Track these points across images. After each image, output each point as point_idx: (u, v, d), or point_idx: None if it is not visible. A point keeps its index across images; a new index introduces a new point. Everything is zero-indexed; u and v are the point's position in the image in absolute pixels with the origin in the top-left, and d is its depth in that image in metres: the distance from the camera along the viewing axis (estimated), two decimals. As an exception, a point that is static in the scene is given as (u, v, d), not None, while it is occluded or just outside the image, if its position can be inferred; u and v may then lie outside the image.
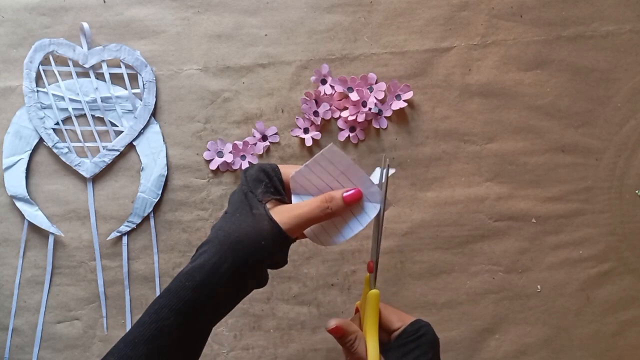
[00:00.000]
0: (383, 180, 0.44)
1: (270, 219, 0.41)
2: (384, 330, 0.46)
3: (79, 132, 0.64)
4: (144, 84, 0.64)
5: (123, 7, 0.64)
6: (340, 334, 0.44)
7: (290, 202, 0.45)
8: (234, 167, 0.65)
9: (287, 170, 0.46)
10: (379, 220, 0.45)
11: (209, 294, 0.40)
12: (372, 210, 0.44)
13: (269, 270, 0.44)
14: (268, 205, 0.43)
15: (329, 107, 0.64)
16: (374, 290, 0.46)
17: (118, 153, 0.65)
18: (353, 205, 0.44)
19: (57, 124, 0.64)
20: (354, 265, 0.65)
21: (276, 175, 0.45)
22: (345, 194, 0.43)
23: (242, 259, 0.41)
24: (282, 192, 0.45)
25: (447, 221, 0.65)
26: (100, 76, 0.64)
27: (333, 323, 0.44)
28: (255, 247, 0.41)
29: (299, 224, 0.42)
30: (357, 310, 0.50)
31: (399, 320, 0.46)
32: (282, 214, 0.42)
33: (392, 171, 0.46)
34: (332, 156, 0.43)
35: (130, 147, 0.65)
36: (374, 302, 0.45)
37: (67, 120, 0.65)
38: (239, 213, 0.42)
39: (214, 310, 0.42)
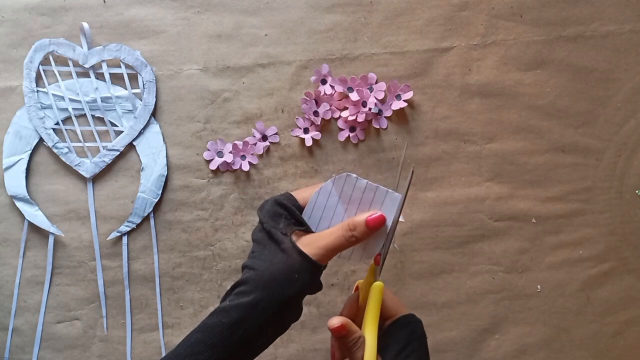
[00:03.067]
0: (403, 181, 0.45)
1: (300, 252, 0.42)
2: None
3: (79, 132, 0.64)
4: (144, 84, 0.64)
5: (123, 7, 0.64)
6: (343, 334, 0.44)
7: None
8: (234, 167, 0.65)
9: (302, 195, 0.46)
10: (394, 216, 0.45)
11: (245, 331, 0.41)
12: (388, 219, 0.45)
13: None
14: (294, 238, 0.43)
15: (329, 107, 0.64)
16: (378, 282, 0.45)
17: (118, 153, 0.65)
18: (377, 229, 0.43)
19: (57, 124, 0.64)
20: (354, 265, 0.65)
21: (293, 204, 0.45)
22: (368, 219, 0.43)
23: (278, 295, 0.41)
24: (303, 222, 0.45)
25: (447, 221, 0.65)
26: (100, 76, 0.64)
27: (337, 322, 0.43)
28: (290, 282, 0.41)
29: (327, 254, 0.43)
30: (356, 289, 0.50)
31: (394, 309, 0.47)
32: (309, 246, 0.42)
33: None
34: (344, 182, 0.44)
35: (130, 147, 0.65)
36: (377, 295, 0.45)
37: (67, 120, 0.65)
38: (267, 251, 0.43)
39: (250, 349, 0.42)
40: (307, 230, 0.45)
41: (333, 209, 0.45)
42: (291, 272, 0.41)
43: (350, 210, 0.45)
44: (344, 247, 0.43)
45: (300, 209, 0.45)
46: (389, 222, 0.44)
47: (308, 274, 0.42)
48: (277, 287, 0.41)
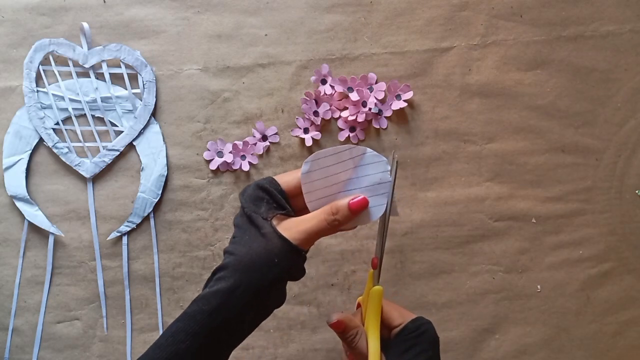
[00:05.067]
0: (391, 179, 0.44)
1: (280, 236, 0.41)
2: (384, 326, 0.46)
3: (79, 132, 0.64)
4: (144, 84, 0.64)
5: (123, 7, 0.64)
6: (341, 329, 0.44)
7: (295, 214, 0.45)
8: (234, 167, 0.65)
9: (286, 179, 0.45)
10: (385, 216, 0.44)
11: (225, 318, 0.40)
12: (380, 205, 0.44)
13: None
14: (274, 222, 0.42)
15: (329, 107, 0.64)
16: (377, 287, 0.45)
17: (118, 153, 0.65)
18: (359, 212, 0.43)
19: (57, 124, 0.64)
20: (354, 265, 0.65)
21: (275, 188, 0.44)
22: (351, 202, 0.42)
23: (257, 280, 0.41)
24: (285, 206, 0.44)
25: (447, 221, 0.65)
26: (100, 76, 0.64)
27: (335, 317, 0.44)
28: (269, 267, 0.41)
29: (308, 239, 0.42)
30: (358, 306, 0.50)
31: (400, 317, 0.46)
32: (290, 230, 0.42)
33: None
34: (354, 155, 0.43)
35: (130, 147, 0.65)
36: (376, 299, 0.45)
37: (67, 120, 0.65)
38: (247, 235, 0.42)
39: (232, 334, 0.42)
40: (289, 214, 0.44)
41: (335, 175, 0.44)
42: (270, 257, 0.41)
43: (348, 185, 0.44)
44: (326, 232, 0.43)
45: (283, 193, 0.44)
46: (381, 211, 0.44)
47: (288, 259, 0.41)
48: (256, 272, 0.40)
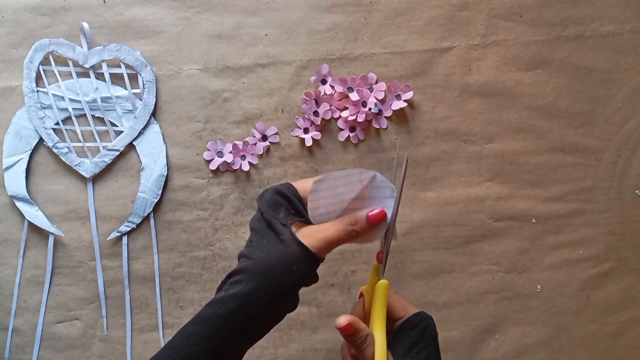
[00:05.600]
0: (398, 176, 0.44)
1: (299, 244, 0.41)
2: (387, 317, 0.47)
3: (79, 132, 0.64)
4: (144, 84, 0.64)
5: (123, 7, 0.64)
6: (350, 332, 0.43)
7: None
8: (234, 167, 0.65)
9: (303, 185, 0.45)
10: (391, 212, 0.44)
11: (241, 322, 0.40)
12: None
13: None
14: (293, 229, 0.42)
15: (329, 107, 0.64)
16: (383, 280, 0.45)
17: (118, 153, 0.65)
18: (378, 224, 0.43)
19: (57, 124, 0.64)
20: (354, 265, 0.65)
21: (293, 194, 0.44)
22: (370, 214, 0.43)
23: (275, 286, 0.41)
24: (303, 213, 0.44)
25: (447, 221, 0.65)
26: (100, 76, 0.64)
27: (344, 320, 0.43)
28: (288, 273, 0.41)
29: (327, 247, 0.42)
30: (360, 295, 0.50)
31: (403, 309, 0.47)
32: (309, 237, 0.42)
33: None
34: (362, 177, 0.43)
35: (130, 147, 0.65)
36: (383, 292, 0.45)
37: (67, 120, 0.65)
38: (266, 240, 0.42)
39: (247, 338, 0.42)
40: (307, 222, 0.44)
41: (342, 195, 0.44)
42: (289, 263, 0.41)
43: (354, 204, 0.44)
44: (343, 241, 0.43)
45: (300, 199, 0.45)
46: (389, 217, 0.44)
47: (306, 266, 0.42)
48: (274, 278, 0.41)
